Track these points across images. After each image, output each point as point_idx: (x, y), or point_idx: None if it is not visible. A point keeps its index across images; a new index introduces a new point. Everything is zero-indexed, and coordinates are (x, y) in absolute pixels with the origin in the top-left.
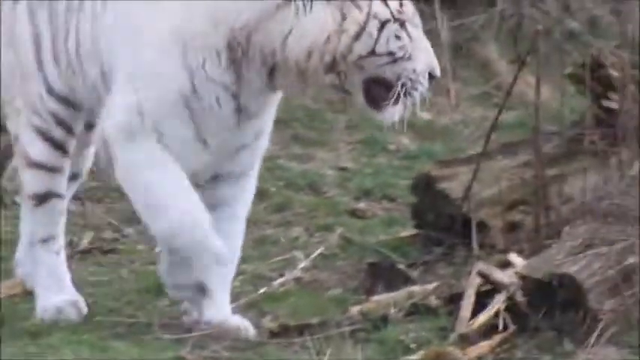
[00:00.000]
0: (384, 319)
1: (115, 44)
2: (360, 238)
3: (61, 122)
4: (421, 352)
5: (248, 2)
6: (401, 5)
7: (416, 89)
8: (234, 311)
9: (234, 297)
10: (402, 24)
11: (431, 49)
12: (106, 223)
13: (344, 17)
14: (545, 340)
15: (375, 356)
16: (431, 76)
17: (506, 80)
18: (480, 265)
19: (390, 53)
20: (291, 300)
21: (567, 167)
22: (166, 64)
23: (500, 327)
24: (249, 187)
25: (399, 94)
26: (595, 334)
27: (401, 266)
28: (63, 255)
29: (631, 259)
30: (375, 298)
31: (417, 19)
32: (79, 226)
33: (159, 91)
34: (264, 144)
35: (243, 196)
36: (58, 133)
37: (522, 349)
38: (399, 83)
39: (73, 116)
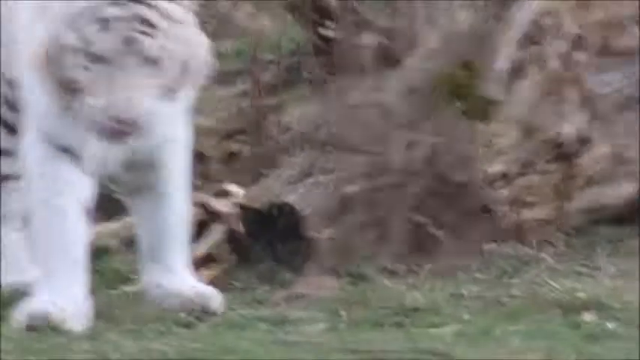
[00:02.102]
0: (105, 250)
1: None
2: None
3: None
4: (140, 283)
5: None
6: (96, 39)
7: (94, 125)
8: None
9: None
10: (95, 58)
11: (123, 93)
12: None
13: None
14: (264, 270)
15: (95, 286)
16: None
17: (223, 9)
18: (198, 195)
19: (74, 82)
20: None
21: (285, 96)
22: None
23: (219, 258)
24: (166, 173)
25: None
26: (313, 263)
27: (119, 196)
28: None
29: (349, 188)
30: (97, 228)
31: (125, 61)
32: None
33: None
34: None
35: (161, 181)
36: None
37: (241, 279)
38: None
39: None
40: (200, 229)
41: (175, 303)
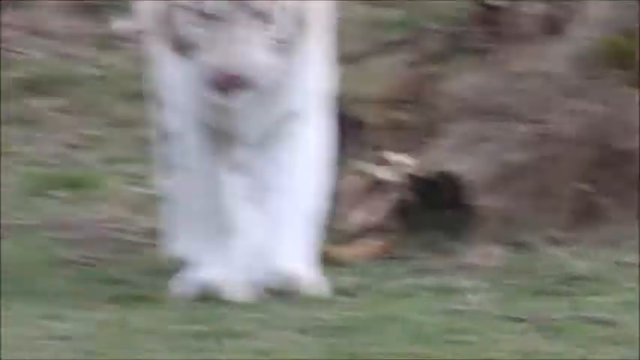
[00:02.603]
0: None
1: None
2: None
3: None
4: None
5: None
6: None
7: (206, 80)
8: None
9: (114, 199)
10: (204, 15)
11: (232, 47)
12: None
13: None
14: (427, 238)
15: None
16: None
17: None
18: (362, 164)
19: (186, 39)
20: None
21: (450, 65)
22: None
23: (384, 226)
24: (301, 146)
25: None
26: (478, 232)
27: None
28: None
29: (513, 157)
30: None
31: (232, 16)
32: None
33: None
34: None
35: (295, 159)
36: None
37: (405, 247)
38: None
39: None
40: (364, 197)
41: (269, 294)
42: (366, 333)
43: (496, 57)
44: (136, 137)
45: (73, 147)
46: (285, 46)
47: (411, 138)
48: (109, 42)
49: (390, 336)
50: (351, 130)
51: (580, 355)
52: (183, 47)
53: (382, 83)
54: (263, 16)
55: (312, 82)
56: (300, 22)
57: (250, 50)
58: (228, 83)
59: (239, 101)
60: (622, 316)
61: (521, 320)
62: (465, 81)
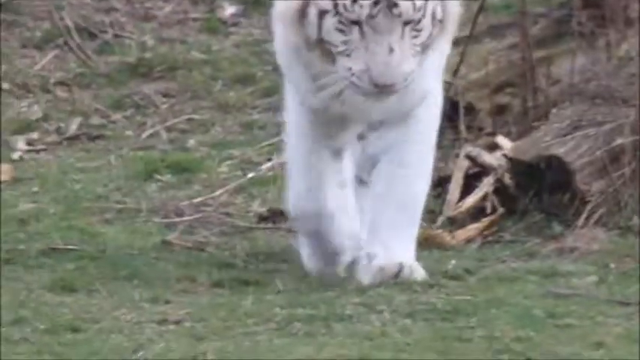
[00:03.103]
0: None
1: None
2: None
3: None
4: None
5: None
6: (353, 4)
7: (352, 88)
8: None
9: (221, 183)
10: (352, 20)
11: (383, 56)
12: (94, 110)
13: None
14: (533, 222)
15: None
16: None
17: None
18: (468, 148)
19: (332, 44)
20: (279, 184)
21: (555, 49)
22: None
23: (489, 210)
24: (418, 129)
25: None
26: (583, 216)
27: None
28: None
29: (619, 140)
30: None
31: (383, 25)
32: (66, 112)
33: None
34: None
35: (411, 139)
36: None
37: (510, 231)
38: (337, 77)
39: None
40: (470, 181)
41: (375, 279)
42: (472, 317)
43: (601, 41)
44: (244, 122)
45: (182, 131)
46: (427, 49)
47: (518, 122)
48: (219, 27)
49: (496, 320)
50: (460, 115)
51: None
52: (326, 51)
53: (488, 67)
54: (413, 24)
55: (436, 71)
56: (441, 25)
57: (403, 59)
58: (379, 91)
59: (384, 104)
60: None
61: (627, 304)
62: (571, 65)
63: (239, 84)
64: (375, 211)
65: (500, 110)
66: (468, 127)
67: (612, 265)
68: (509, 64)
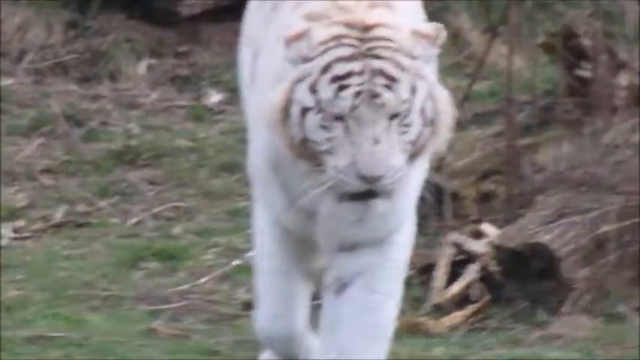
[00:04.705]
0: None
1: None
2: None
3: None
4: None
5: None
6: (335, 98)
7: (341, 185)
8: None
9: (207, 270)
10: (335, 116)
11: (368, 147)
12: (80, 197)
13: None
14: (519, 309)
15: None
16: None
17: (478, 50)
18: (453, 235)
19: (317, 143)
20: None
21: (540, 137)
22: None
23: (474, 297)
24: (392, 255)
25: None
26: (569, 303)
27: None
28: None
29: (604, 228)
30: None
31: (367, 117)
32: (52, 199)
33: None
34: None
35: (385, 265)
36: None
37: (496, 318)
38: (326, 177)
39: None
40: (455, 268)
41: None
42: None
43: (586, 129)
44: (230, 209)
45: (167, 219)
46: (418, 153)
47: (504, 209)
48: (205, 115)
49: None
50: (446, 202)
51: None
52: (309, 151)
53: (474, 155)
54: (400, 118)
55: (416, 184)
56: (432, 124)
57: (390, 151)
58: (367, 187)
59: (373, 211)
60: None
61: None
62: (557, 152)
63: (225, 171)
64: (344, 338)
65: (485, 197)
66: (454, 215)
67: (597, 353)
68: (494, 152)
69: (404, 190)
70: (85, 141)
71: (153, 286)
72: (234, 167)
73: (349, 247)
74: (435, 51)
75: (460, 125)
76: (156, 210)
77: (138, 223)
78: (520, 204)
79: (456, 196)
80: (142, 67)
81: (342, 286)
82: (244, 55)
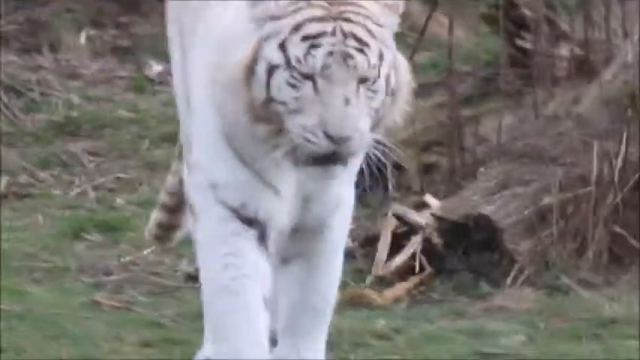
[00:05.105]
0: None
1: None
2: None
3: None
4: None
5: None
6: (306, 56)
7: (306, 145)
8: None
9: (149, 242)
10: (305, 74)
11: (339, 107)
12: (21, 168)
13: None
14: (461, 281)
15: None
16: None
17: (419, 21)
18: (396, 207)
19: (282, 102)
20: None
21: (482, 108)
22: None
23: (417, 269)
24: (331, 236)
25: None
26: (511, 275)
27: None
28: None
29: (546, 200)
30: None
31: (339, 77)
32: None
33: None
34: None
35: (324, 248)
36: None
37: (439, 290)
38: (291, 137)
39: None
40: (398, 240)
41: None
42: None
43: (527, 100)
44: None
45: (109, 190)
46: (379, 121)
47: (446, 181)
48: (146, 86)
49: None
50: (389, 174)
51: None
52: (266, 111)
53: (416, 126)
54: (368, 83)
55: (353, 174)
56: (394, 96)
57: (359, 114)
58: (335, 147)
59: (335, 173)
60: None
61: None
62: (498, 124)
63: (166, 142)
64: (288, 316)
65: (428, 169)
66: (396, 187)
67: (540, 325)
68: (436, 123)
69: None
70: (26, 112)
71: (95, 258)
72: (176, 138)
73: (287, 235)
74: (398, 20)
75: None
76: (98, 181)
77: (80, 194)
78: (462, 176)
79: (398, 168)
80: (82, 37)
81: (282, 261)
82: (171, 30)
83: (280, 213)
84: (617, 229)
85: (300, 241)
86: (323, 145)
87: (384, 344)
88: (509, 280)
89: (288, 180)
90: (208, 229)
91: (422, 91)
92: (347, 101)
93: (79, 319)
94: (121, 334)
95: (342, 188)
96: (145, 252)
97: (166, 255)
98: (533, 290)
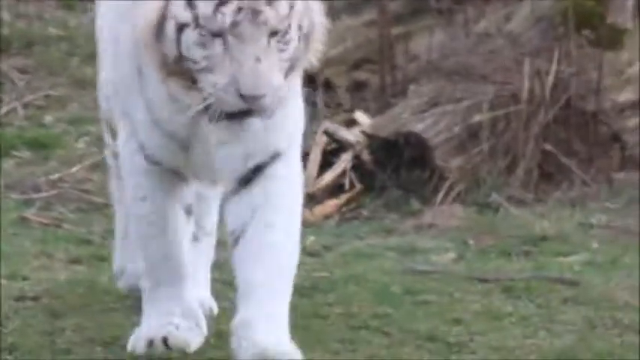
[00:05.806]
0: None
1: None
2: None
3: None
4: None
5: None
6: (215, 13)
7: (219, 103)
8: None
9: (78, 159)
10: (214, 33)
11: (250, 65)
12: None
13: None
14: (391, 198)
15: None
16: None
17: None
18: (326, 124)
19: (193, 60)
20: None
21: (413, 25)
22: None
23: (347, 186)
24: (284, 187)
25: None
26: (441, 193)
27: None
28: None
29: (477, 117)
30: None
31: (248, 34)
32: None
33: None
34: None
35: (276, 202)
36: None
37: (369, 207)
38: (203, 96)
39: None
40: (328, 157)
41: (255, 355)
42: (330, 293)
43: (459, 17)
44: None
45: (39, 108)
46: (293, 68)
47: (376, 98)
48: (76, 3)
49: (354, 296)
50: (320, 91)
51: (544, 315)
52: (179, 67)
53: (346, 44)
54: (279, 36)
55: (298, 115)
56: (306, 40)
57: (271, 70)
58: (248, 105)
59: (250, 128)
60: (586, 277)
61: (485, 281)
62: (429, 42)
63: (96, 60)
64: (248, 282)
65: (358, 87)
66: (327, 104)
67: (471, 242)
68: (367, 41)
69: (284, 112)
70: None
71: (24, 175)
72: None
73: (233, 188)
74: None
75: (333, 15)
76: (27, 99)
77: (9, 112)
78: (392, 93)
79: (328, 85)
80: None
81: (235, 240)
82: None
83: (203, 169)
84: (548, 146)
85: (248, 198)
86: (235, 104)
87: (313, 261)
88: (439, 198)
89: (206, 136)
90: (130, 160)
91: (352, 8)
92: (258, 59)
93: (8, 236)
94: (49, 251)
95: (286, 130)
96: (74, 169)
97: (95, 172)
98: (464, 207)
